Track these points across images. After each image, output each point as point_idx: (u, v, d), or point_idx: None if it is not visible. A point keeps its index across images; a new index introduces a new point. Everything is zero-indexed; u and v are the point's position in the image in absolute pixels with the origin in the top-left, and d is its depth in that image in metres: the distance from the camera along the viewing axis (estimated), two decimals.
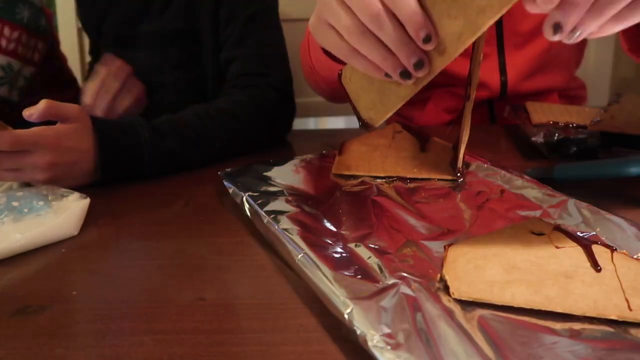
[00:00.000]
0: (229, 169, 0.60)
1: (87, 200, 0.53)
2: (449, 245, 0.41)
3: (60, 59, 1.06)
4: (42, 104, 0.56)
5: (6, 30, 0.85)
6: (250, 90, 0.78)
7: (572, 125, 0.66)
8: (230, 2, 0.82)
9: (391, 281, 0.36)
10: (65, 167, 0.58)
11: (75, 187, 0.60)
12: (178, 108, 0.72)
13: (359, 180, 0.56)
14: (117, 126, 0.63)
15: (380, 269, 0.38)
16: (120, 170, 0.63)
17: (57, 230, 0.49)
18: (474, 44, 0.51)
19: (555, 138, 0.62)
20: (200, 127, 0.69)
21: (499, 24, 0.81)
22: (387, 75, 0.40)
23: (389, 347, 0.30)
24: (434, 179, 0.56)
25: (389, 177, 0.57)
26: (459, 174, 0.55)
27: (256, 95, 0.77)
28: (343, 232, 0.45)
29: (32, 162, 0.56)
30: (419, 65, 0.39)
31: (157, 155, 0.64)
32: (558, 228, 0.42)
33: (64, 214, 0.50)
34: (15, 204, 0.50)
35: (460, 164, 0.56)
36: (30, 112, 0.56)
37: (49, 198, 0.53)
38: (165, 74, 0.87)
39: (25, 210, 0.50)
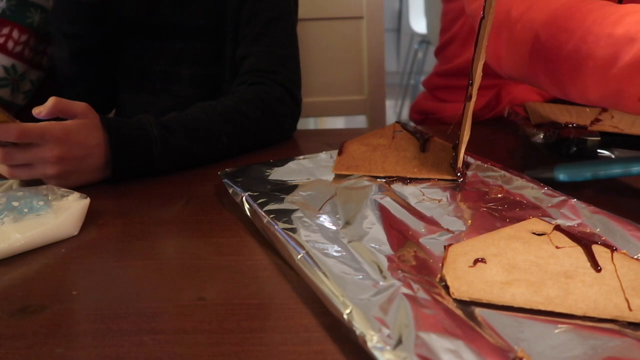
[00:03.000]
0: (229, 169, 0.60)
1: (87, 200, 0.53)
2: (449, 245, 0.41)
3: None
4: (51, 100, 0.58)
5: (15, 33, 0.85)
6: (258, 87, 0.78)
7: (572, 125, 0.66)
8: (254, 2, 0.82)
9: (391, 281, 0.36)
10: (74, 162, 0.59)
11: (86, 185, 0.61)
12: (192, 102, 0.73)
13: (359, 179, 0.56)
14: (126, 123, 0.64)
15: (380, 269, 0.38)
16: (130, 167, 0.63)
17: (57, 230, 0.49)
18: (476, 43, 0.51)
19: (555, 138, 0.62)
20: (208, 124, 0.69)
21: None
22: None
23: (388, 348, 0.30)
24: (434, 179, 0.56)
25: (389, 177, 0.57)
26: (459, 174, 0.56)
27: (263, 92, 0.77)
28: (343, 231, 0.45)
29: (41, 155, 0.57)
30: None
31: (166, 151, 0.64)
32: (558, 228, 0.42)
33: (64, 214, 0.50)
34: (15, 204, 0.50)
35: (460, 164, 0.56)
36: (39, 110, 0.57)
37: (49, 198, 0.53)
38: (183, 67, 0.87)
39: (25, 210, 0.50)
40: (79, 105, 0.60)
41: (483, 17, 0.49)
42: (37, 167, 0.58)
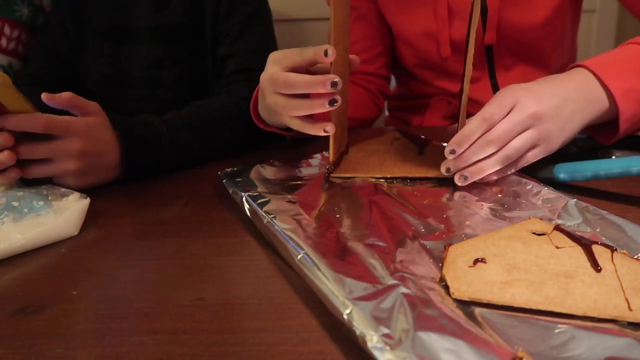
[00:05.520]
0: (229, 169, 0.60)
1: (87, 201, 0.53)
2: (449, 245, 0.41)
3: None
4: (67, 94, 0.57)
5: (6, 29, 0.83)
6: (252, 83, 0.78)
7: None
8: None
9: (391, 281, 0.36)
10: (95, 157, 0.59)
11: (99, 185, 0.61)
12: (178, 104, 0.72)
13: (359, 180, 0.56)
14: (136, 124, 0.64)
15: (380, 269, 0.38)
16: (140, 167, 0.63)
17: (57, 230, 0.49)
18: (467, 40, 0.51)
19: None
20: (210, 120, 0.70)
21: (488, 49, 0.81)
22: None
23: (388, 348, 0.30)
24: (432, 177, 0.56)
25: (388, 177, 0.57)
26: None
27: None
28: (343, 232, 0.45)
29: (64, 147, 0.57)
30: (332, 103, 0.51)
31: (173, 148, 0.65)
32: (558, 228, 0.42)
33: (64, 214, 0.50)
34: (15, 204, 0.50)
35: None
36: (52, 97, 0.56)
37: (49, 198, 0.53)
38: (166, 69, 0.87)
39: (25, 210, 0.50)
40: (93, 104, 0.60)
41: (472, 12, 0.49)
42: (58, 162, 0.57)
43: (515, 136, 0.51)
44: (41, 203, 0.51)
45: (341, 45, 0.53)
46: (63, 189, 0.55)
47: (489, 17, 0.77)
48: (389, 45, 0.92)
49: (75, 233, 0.51)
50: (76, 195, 0.54)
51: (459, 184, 0.52)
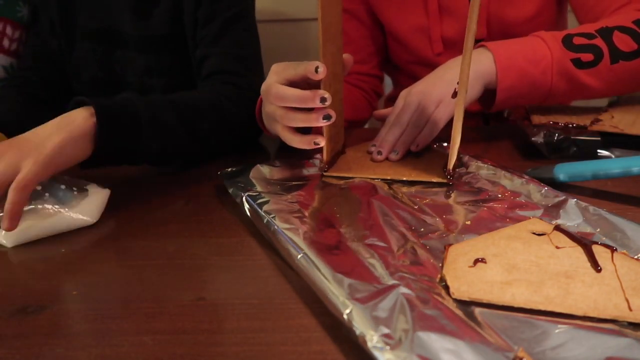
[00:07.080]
0: (229, 169, 0.60)
1: (107, 191, 0.54)
2: (449, 245, 0.41)
3: None
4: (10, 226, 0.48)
5: (8, 30, 0.83)
6: (230, 86, 0.76)
7: (572, 125, 0.66)
8: (210, 3, 0.81)
9: (391, 282, 0.36)
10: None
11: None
12: None
13: (360, 180, 0.56)
14: (111, 100, 0.58)
15: (380, 269, 0.38)
16: (117, 140, 0.57)
17: (76, 217, 0.51)
18: (464, 46, 0.50)
19: (555, 138, 0.62)
20: (192, 106, 0.66)
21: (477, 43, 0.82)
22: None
23: (388, 348, 0.30)
24: (425, 182, 0.55)
25: (382, 179, 0.56)
26: (449, 177, 0.55)
27: (237, 90, 0.75)
28: (343, 231, 0.45)
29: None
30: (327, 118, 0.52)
31: (154, 125, 0.60)
32: (558, 228, 0.42)
33: (83, 201, 0.52)
34: (38, 188, 0.52)
35: (451, 165, 0.55)
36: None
37: (71, 186, 0.54)
38: (154, 78, 0.86)
39: (47, 195, 0.52)
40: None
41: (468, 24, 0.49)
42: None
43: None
44: (63, 187, 0.53)
45: (332, 44, 0.53)
46: (83, 180, 0.56)
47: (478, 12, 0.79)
48: (382, 45, 0.93)
49: (94, 221, 0.52)
50: (95, 186, 0.55)
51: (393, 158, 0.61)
